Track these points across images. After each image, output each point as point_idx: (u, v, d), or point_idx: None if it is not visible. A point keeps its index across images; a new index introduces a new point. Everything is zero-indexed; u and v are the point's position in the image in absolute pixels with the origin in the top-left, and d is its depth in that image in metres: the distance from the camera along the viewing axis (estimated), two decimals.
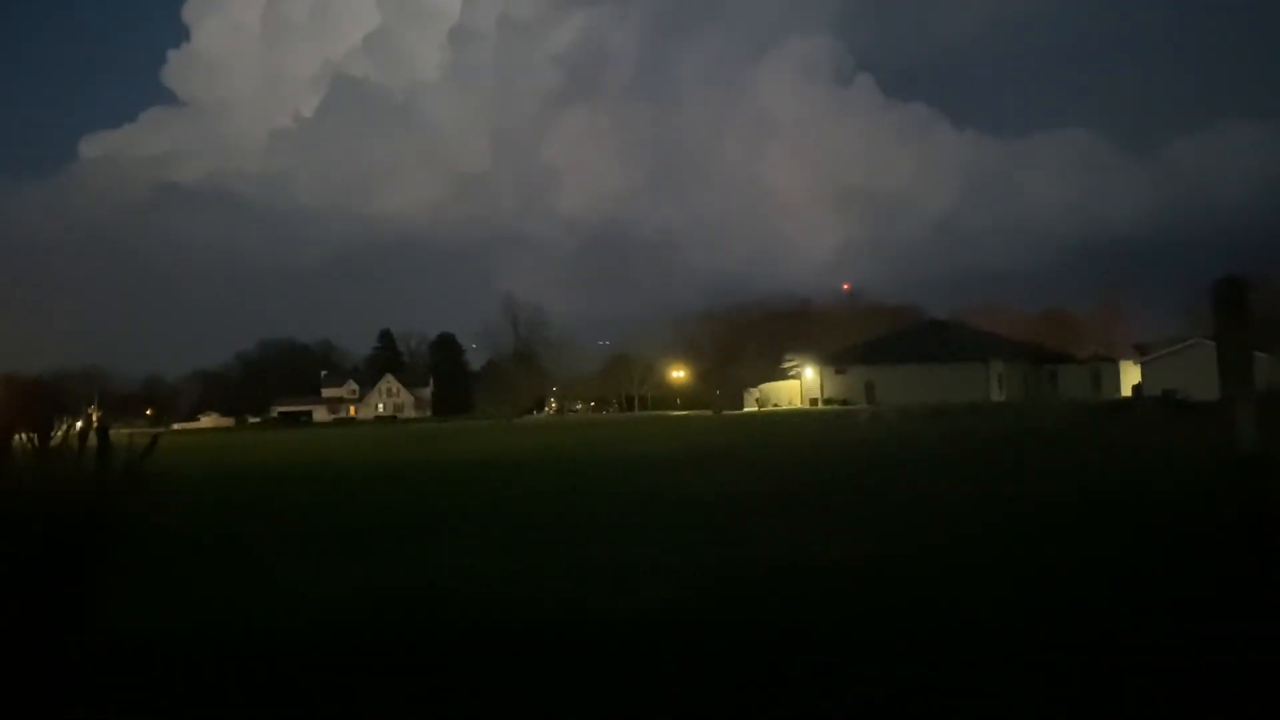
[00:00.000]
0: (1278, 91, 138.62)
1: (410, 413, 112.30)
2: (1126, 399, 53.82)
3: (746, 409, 73.66)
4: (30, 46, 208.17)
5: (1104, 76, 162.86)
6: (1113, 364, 65.14)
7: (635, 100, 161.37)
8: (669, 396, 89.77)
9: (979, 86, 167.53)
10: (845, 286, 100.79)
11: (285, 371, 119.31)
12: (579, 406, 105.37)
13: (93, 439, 4.41)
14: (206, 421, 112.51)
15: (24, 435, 4.44)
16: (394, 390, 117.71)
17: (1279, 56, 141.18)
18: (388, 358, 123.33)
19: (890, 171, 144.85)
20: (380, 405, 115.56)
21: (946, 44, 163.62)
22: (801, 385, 73.93)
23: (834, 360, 71.18)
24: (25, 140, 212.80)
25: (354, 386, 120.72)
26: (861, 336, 73.03)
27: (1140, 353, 59.71)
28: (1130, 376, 59.15)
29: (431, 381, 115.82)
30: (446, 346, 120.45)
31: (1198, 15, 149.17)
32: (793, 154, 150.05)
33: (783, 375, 76.99)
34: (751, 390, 79.05)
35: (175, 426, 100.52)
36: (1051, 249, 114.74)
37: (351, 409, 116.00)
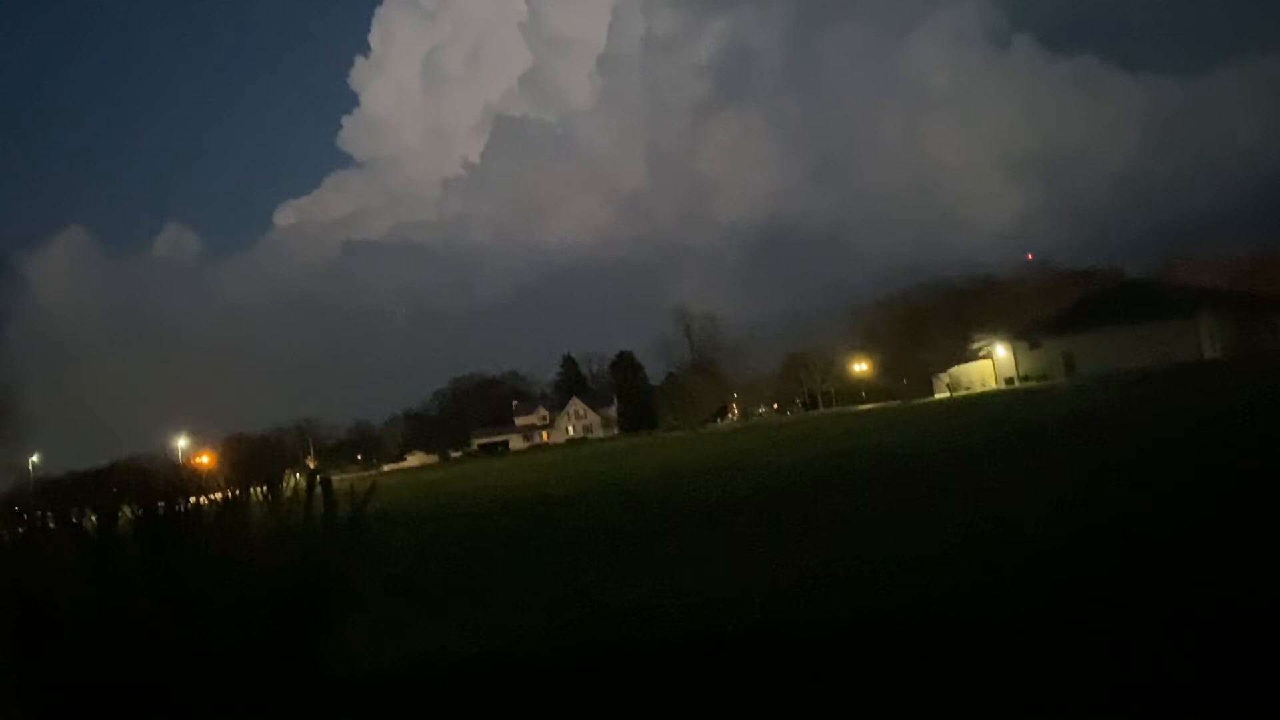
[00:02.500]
0: None
1: (599, 432, 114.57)
2: None
3: (938, 395, 71.40)
4: (222, 132, 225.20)
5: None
6: None
7: (786, 96, 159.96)
8: (853, 390, 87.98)
9: (1147, 26, 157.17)
10: (1029, 256, 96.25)
11: (480, 405, 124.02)
12: (761, 410, 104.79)
13: (318, 489, 4.77)
14: (413, 460, 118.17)
15: (258, 488, 4.86)
16: (581, 412, 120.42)
17: None
18: (572, 381, 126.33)
19: (1064, 130, 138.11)
20: (570, 428, 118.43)
21: None
22: (994, 365, 71.18)
23: (1026, 334, 68.16)
24: (228, 218, 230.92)
25: (544, 412, 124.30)
26: (1053, 307, 69.53)
27: None
28: None
29: (615, 400, 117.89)
30: (626, 364, 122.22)
31: None
32: (957, 127, 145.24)
33: (973, 356, 74.26)
34: (941, 375, 76.56)
35: (385, 467, 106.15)
36: (1251, 188, 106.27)
37: (544, 434, 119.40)
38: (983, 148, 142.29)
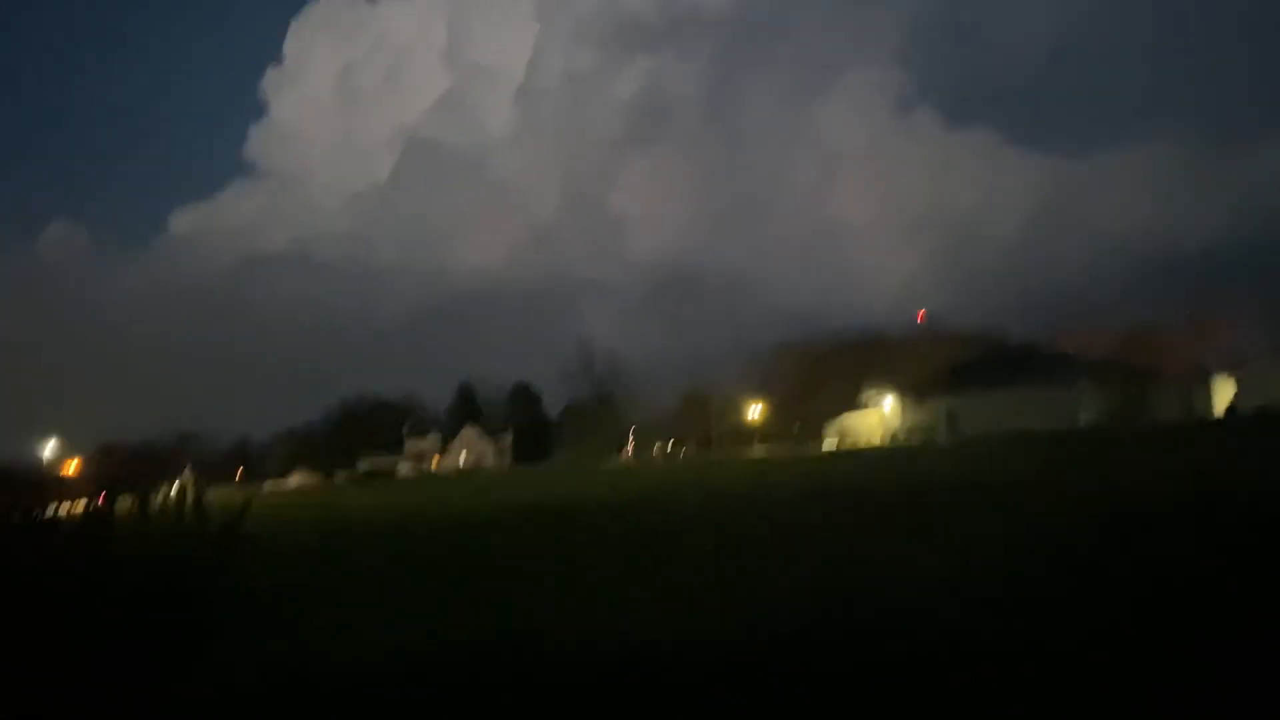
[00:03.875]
0: None
1: (491, 462, 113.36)
2: (1222, 417, 52.21)
3: (826, 445, 72.84)
4: (121, 128, 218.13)
5: (1170, 88, 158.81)
6: (1205, 380, 63.00)
7: (700, 141, 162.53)
8: (748, 433, 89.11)
9: (1042, 107, 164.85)
10: (920, 315, 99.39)
11: (369, 427, 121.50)
12: (656, 448, 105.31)
13: (190, 502, 4.67)
14: (295, 479, 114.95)
15: (129, 499, 4.73)
16: (475, 441, 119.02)
17: None
18: (468, 408, 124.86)
19: (959, 197, 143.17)
20: (462, 456, 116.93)
21: (1007, 67, 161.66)
22: (881, 417, 72.95)
23: (913, 390, 70.16)
24: (120, 215, 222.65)
25: (436, 438, 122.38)
26: (941, 364, 71.82)
27: (1233, 367, 57.80)
28: (1224, 392, 57.25)
29: (511, 430, 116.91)
30: (524, 394, 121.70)
31: (1269, 21, 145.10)
32: (860, 185, 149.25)
33: (862, 408, 76.04)
34: (830, 424, 78.17)
35: (267, 486, 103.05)
36: (1130, 266, 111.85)
37: (434, 460, 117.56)
38: (882, 208, 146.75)
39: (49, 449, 63.98)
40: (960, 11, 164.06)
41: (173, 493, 5.05)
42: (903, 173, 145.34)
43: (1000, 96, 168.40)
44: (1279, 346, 52.38)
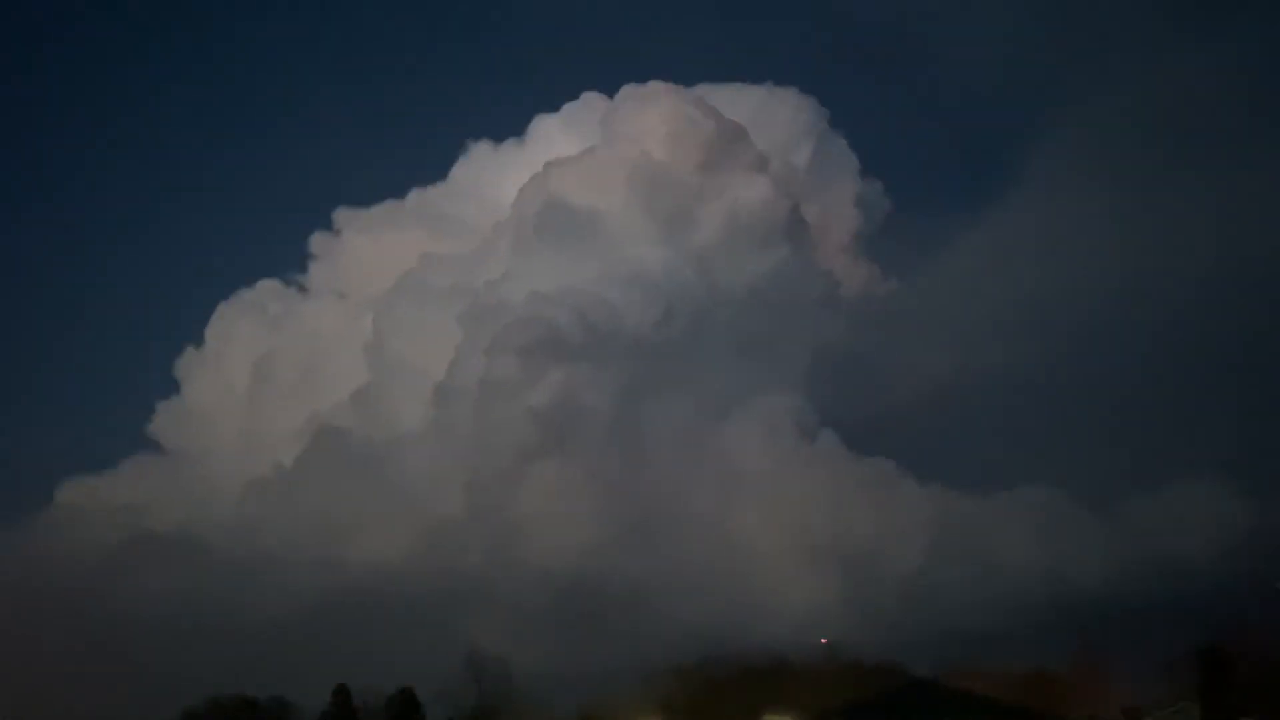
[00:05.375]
0: (1235, 454, 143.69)
1: None
2: None
3: None
4: (17, 397, 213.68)
5: (1063, 431, 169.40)
6: None
7: (607, 454, 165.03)
8: None
9: (940, 443, 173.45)
10: (823, 641, 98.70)
11: None
12: None
13: None
14: None
15: None
16: None
17: (1235, 419, 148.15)
18: (343, 715, 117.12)
19: (858, 526, 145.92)
20: None
21: (906, 401, 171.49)
22: None
23: None
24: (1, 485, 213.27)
25: None
26: (842, 696, 70.69)
27: (1130, 717, 58.00)
28: None
29: None
30: (404, 701, 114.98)
31: (1156, 376, 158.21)
32: (761, 508, 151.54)
33: None
34: None
35: None
36: (1025, 607, 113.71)
37: None
38: (784, 532, 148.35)
39: None
40: (858, 345, 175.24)
41: None
42: (805, 497, 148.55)
43: (900, 429, 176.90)
44: (1174, 699, 52.99)
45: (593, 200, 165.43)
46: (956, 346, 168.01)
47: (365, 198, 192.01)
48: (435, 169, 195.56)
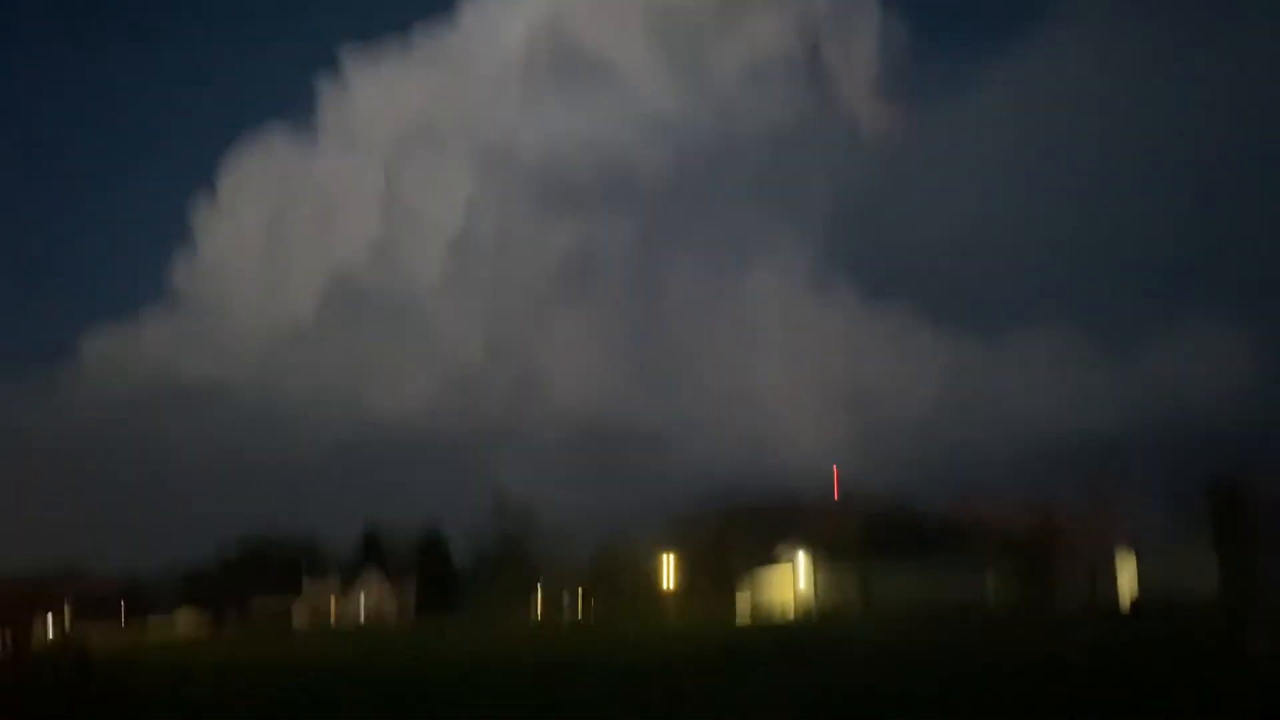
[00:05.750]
0: (1247, 293, 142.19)
1: (392, 610, 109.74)
2: (1129, 607, 53.11)
3: (739, 614, 72.33)
4: (41, 245, 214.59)
5: (1080, 274, 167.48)
6: (1109, 560, 64.29)
7: (625, 302, 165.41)
8: (658, 595, 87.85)
9: (957, 287, 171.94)
10: (835, 482, 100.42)
11: (267, 567, 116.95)
12: (565, 606, 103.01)
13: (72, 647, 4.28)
14: (184, 619, 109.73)
15: (4, 634, 4.31)
16: (377, 589, 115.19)
17: (1252, 260, 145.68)
18: (372, 552, 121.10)
19: (873, 370, 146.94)
20: (361, 603, 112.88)
21: (923, 246, 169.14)
22: (795, 586, 72.63)
23: (827, 560, 70.24)
24: (24, 334, 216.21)
25: (335, 582, 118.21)
26: (854, 535, 72.27)
27: (1137, 551, 59.14)
28: (1129, 573, 58.39)
29: (415, 579, 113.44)
30: (431, 541, 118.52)
31: (1174, 219, 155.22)
32: (778, 353, 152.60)
33: (775, 570, 75.74)
34: (745, 591, 77.62)
35: (151, 621, 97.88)
36: (1039, 445, 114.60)
37: (333, 603, 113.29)
38: (800, 376, 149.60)
39: None
40: (877, 192, 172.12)
41: (50, 631, 4.62)
42: (821, 342, 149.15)
43: (916, 274, 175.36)
44: (1181, 530, 53.98)
45: (606, 42, 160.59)
46: (977, 189, 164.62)
47: (371, 30, 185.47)
48: (442, 5, 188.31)
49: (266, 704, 17.64)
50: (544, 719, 11.54)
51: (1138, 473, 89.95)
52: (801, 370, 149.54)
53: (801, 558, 72.22)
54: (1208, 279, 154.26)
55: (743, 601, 75.57)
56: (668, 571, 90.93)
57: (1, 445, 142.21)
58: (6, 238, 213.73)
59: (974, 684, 15.02)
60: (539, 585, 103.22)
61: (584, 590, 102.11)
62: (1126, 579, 58.60)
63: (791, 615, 68.31)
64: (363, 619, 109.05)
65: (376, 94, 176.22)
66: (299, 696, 18.33)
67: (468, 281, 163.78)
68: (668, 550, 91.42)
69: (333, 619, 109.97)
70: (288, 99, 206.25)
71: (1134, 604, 49.69)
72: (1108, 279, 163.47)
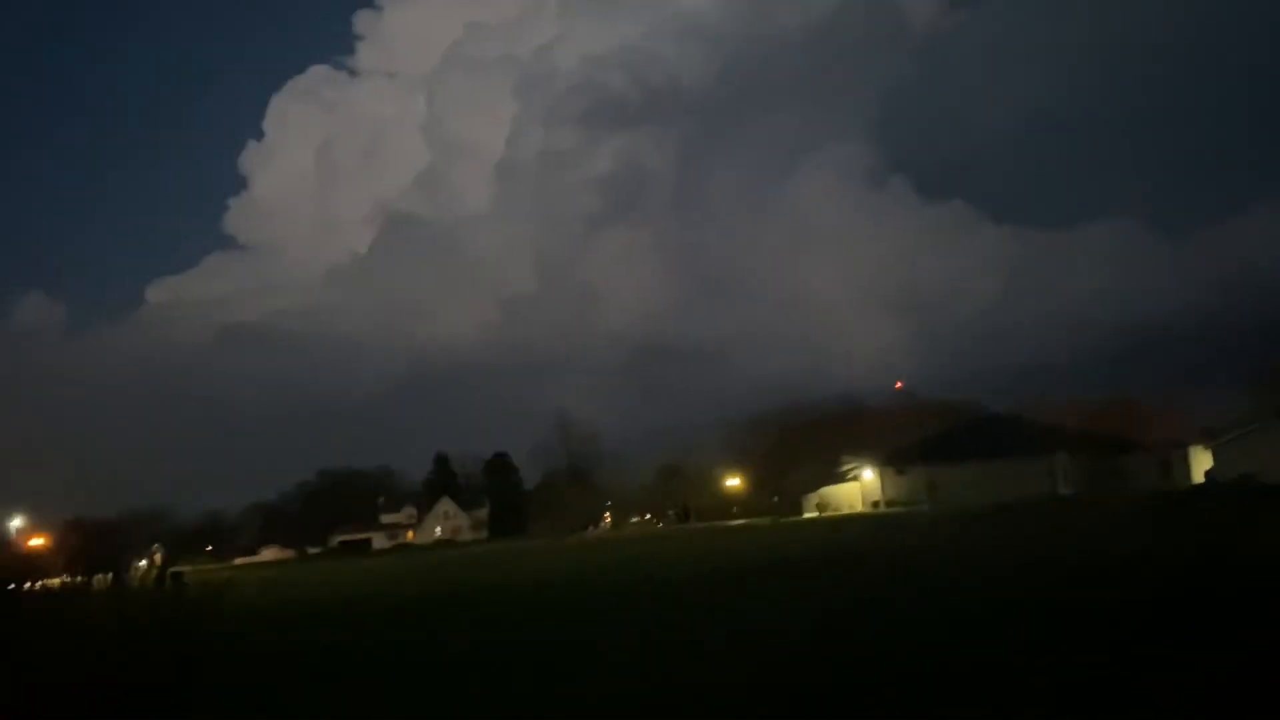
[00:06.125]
0: None
1: (467, 534, 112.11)
2: (1198, 486, 52.36)
3: (807, 514, 72.60)
4: (100, 202, 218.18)
5: (1143, 163, 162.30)
6: (1182, 450, 63.24)
7: (675, 216, 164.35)
8: (725, 505, 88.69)
9: (1015, 181, 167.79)
10: (898, 385, 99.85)
11: (344, 500, 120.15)
12: (635, 520, 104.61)
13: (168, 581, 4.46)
14: (267, 554, 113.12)
15: (103, 575, 4.51)
16: (451, 513, 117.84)
17: None
18: (444, 481, 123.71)
19: (931, 271, 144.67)
20: (438, 529, 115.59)
21: (979, 140, 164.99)
22: (861, 488, 72.74)
23: (892, 461, 70.09)
24: (96, 287, 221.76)
25: (412, 511, 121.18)
26: (919, 435, 71.89)
27: (1210, 437, 58.05)
28: (1202, 462, 57.48)
29: (487, 502, 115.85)
30: (500, 466, 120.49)
31: (1234, 99, 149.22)
32: (833, 258, 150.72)
33: (841, 479, 75.88)
34: (810, 495, 77.93)
35: (237, 561, 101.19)
36: (1105, 338, 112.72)
37: (410, 534, 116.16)
38: (857, 280, 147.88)
39: (15, 524, 62.72)
40: (932, 87, 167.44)
41: (143, 569, 4.82)
42: (877, 245, 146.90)
43: (973, 170, 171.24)
44: (1256, 418, 52.78)
45: None
46: (1030, 79, 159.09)
47: None
48: None
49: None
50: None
51: (1207, 357, 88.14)
52: (858, 274, 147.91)
53: (866, 469, 72.15)
54: (1274, 155, 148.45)
55: (810, 507, 76.00)
56: (731, 482, 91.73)
57: (84, 396, 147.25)
58: (72, 203, 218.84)
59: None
60: (604, 502, 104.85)
61: (647, 501, 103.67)
62: (1200, 465, 57.63)
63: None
64: (438, 539, 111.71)
65: (413, 24, 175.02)
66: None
67: (515, 206, 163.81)
68: (729, 461, 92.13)
69: (410, 541, 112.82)
70: (327, 40, 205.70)
71: (1206, 483, 48.92)
72: (1170, 167, 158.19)
